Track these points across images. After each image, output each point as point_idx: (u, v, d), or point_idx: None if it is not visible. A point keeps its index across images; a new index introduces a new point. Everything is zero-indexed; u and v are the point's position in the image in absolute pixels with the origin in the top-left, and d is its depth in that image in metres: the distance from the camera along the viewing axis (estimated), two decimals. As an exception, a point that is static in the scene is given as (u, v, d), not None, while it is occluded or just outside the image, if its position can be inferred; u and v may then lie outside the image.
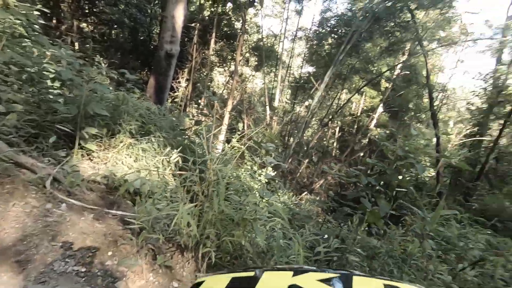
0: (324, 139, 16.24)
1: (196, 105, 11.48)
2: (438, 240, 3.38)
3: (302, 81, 16.19)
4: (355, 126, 16.79)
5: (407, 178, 3.30)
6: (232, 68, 13.35)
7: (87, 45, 8.22)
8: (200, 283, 0.72)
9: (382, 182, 2.97)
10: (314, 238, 3.28)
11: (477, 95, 12.97)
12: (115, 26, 10.47)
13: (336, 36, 12.48)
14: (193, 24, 10.24)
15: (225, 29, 12.44)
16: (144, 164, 3.53)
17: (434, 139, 11.10)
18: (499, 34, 13.91)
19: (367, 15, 10.38)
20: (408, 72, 14.58)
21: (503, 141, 11.44)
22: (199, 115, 5.57)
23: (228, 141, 6.63)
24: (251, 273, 0.71)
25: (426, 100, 14.40)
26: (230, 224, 1.99)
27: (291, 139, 12.64)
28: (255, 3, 11.84)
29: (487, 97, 12.03)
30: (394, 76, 15.05)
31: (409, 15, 11.24)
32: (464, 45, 16.29)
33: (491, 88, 11.95)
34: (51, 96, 3.29)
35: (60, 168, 2.73)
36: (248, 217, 1.91)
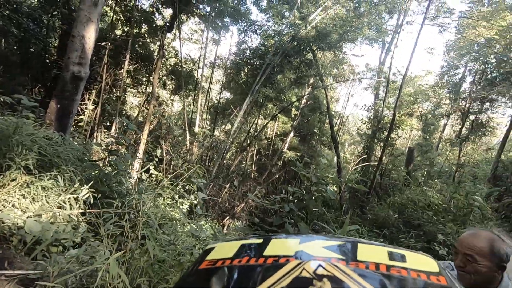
0: (243, 162, 16.82)
1: (106, 130, 10.35)
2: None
3: (221, 107, 16.66)
4: (271, 149, 18.07)
5: (320, 200, 3.78)
6: (148, 90, 12.72)
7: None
8: (212, 249, 0.72)
9: (302, 207, 3.31)
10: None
11: (363, 123, 15.89)
12: (-3, 35, 8.77)
13: (251, 67, 13.46)
14: (103, 43, 9.45)
15: (141, 51, 11.91)
16: (45, 204, 2.98)
17: (335, 158, 12.91)
18: (376, 76, 17.75)
19: (278, 51, 11.65)
20: (312, 102, 16.86)
21: (384, 160, 14.16)
22: (112, 143, 5.08)
23: (146, 170, 6.20)
24: (260, 240, 0.72)
25: (327, 125, 16.81)
26: (163, 269, 1.85)
27: (211, 164, 12.63)
28: (173, 28, 11.83)
29: (370, 125, 14.87)
30: (302, 105, 17.12)
31: (311, 54, 13.21)
32: (352, 83, 20.07)
33: (373, 117, 14.90)
34: None
35: None
36: (185, 260, 1.82)
